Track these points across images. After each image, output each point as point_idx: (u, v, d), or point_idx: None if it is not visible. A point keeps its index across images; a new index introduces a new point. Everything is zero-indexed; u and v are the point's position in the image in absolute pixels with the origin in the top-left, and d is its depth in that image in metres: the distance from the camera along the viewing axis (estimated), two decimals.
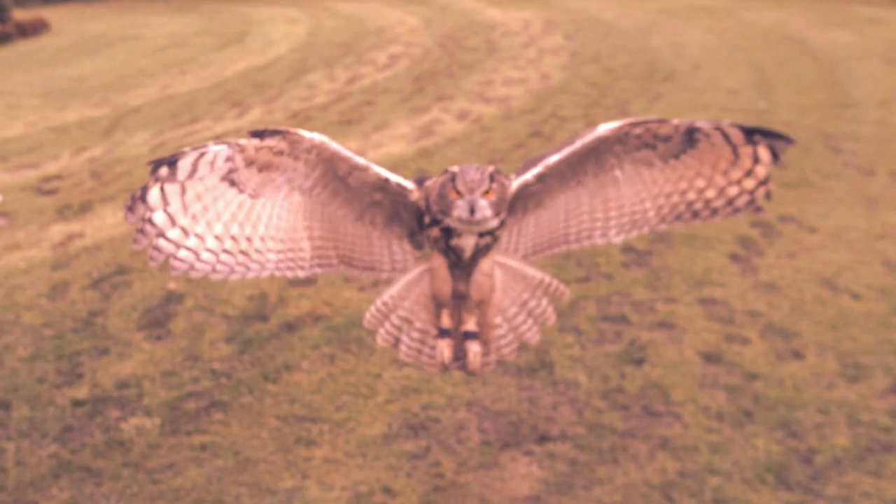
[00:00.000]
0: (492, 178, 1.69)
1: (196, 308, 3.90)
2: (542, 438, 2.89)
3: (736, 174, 1.70)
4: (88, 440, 2.96)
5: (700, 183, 1.74)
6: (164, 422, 3.05)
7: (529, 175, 1.80)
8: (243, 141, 1.62)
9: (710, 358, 3.35)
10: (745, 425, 2.92)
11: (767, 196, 1.68)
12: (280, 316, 3.79)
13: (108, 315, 3.87)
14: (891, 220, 4.72)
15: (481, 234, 1.78)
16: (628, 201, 1.85)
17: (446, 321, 1.90)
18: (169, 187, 1.54)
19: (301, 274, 1.85)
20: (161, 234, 1.56)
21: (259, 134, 1.64)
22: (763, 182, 1.68)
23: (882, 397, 3.06)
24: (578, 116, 7.17)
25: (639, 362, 3.33)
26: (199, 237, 1.62)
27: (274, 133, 1.66)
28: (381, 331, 1.98)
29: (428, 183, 1.80)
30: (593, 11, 13.81)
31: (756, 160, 1.66)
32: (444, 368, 1.90)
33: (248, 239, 1.70)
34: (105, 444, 2.93)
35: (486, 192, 1.69)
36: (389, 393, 3.18)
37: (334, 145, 1.73)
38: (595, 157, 1.79)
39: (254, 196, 1.68)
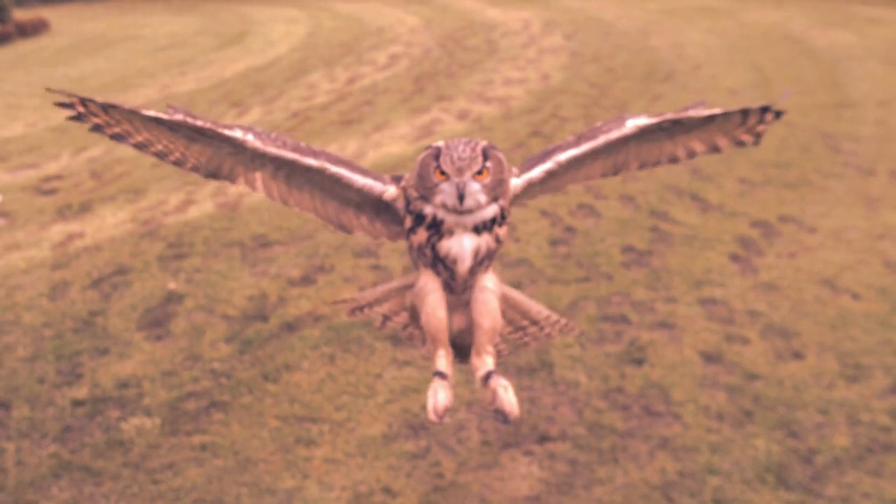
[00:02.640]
0: (486, 155, 1.41)
1: (196, 308, 3.90)
2: (542, 438, 2.89)
3: (737, 133, 1.65)
4: (88, 440, 2.96)
5: (693, 144, 1.70)
6: (164, 422, 3.05)
7: (538, 171, 1.59)
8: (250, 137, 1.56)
9: (710, 358, 3.35)
10: (745, 425, 2.92)
11: (758, 140, 1.67)
12: (280, 316, 3.79)
13: (108, 315, 3.87)
14: (891, 220, 4.72)
15: (478, 230, 1.47)
16: (619, 162, 1.77)
17: (442, 364, 1.55)
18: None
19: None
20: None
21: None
22: (757, 134, 1.67)
23: (882, 397, 3.06)
24: (578, 116, 7.17)
25: (639, 362, 3.33)
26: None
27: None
28: (353, 313, 1.81)
29: (407, 176, 1.55)
30: (593, 11, 13.80)
31: (760, 122, 1.61)
32: (440, 419, 1.47)
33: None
34: (105, 444, 2.93)
35: (479, 173, 1.41)
36: (389, 393, 3.18)
37: (272, 149, 1.56)
38: (607, 147, 1.66)
39: None
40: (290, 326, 3.70)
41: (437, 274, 1.54)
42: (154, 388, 3.26)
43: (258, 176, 1.64)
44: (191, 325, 3.75)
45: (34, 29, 14.83)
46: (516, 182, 1.58)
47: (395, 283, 1.76)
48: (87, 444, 2.94)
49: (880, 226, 4.65)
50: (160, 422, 3.05)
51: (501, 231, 1.51)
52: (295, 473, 2.77)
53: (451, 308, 1.59)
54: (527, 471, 2.75)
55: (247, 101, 8.51)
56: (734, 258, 4.28)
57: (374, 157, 6.18)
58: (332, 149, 6.50)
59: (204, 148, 1.61)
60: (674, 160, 1.73)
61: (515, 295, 1.73)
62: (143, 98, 9.12)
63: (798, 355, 3.36)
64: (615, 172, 1.76)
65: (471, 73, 9.29)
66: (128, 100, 9.07)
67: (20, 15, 15.46)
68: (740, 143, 1.67)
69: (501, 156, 1.47)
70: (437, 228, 1.47)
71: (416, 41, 11.76)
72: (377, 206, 1.63)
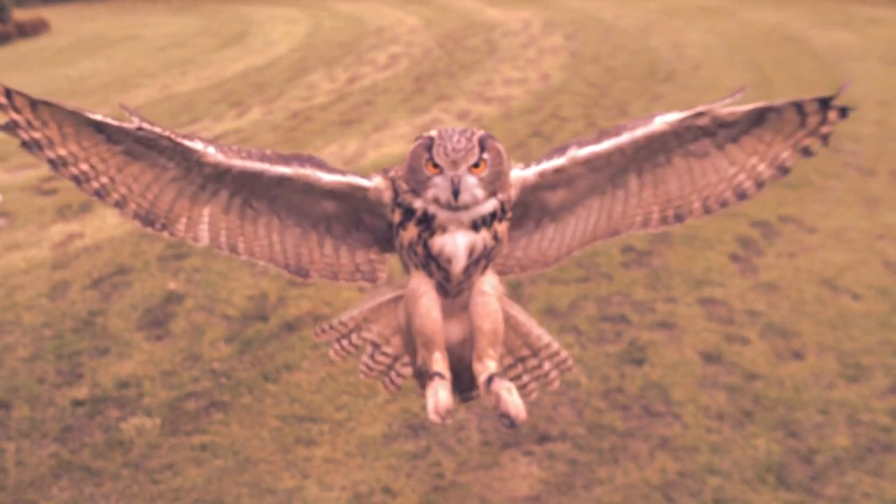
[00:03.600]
0: (482, 146, 1.30)
1: (196, 308, 3.90)
2: (542, 438, 2.89)
3: (799, 136, 1.45)
4: (88, 440, 2.96)
5: (754, 161, 1.47)
6: (164, 422, 3.05)
7: (547, 165, 1.43)
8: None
9: (710, 358, 3.35)
10: (745, 425, 2.92)
11: (825, 142, 1.47)
12: (280, 316, 3.79)
13: (108, 315, 3.87)
14: (891, 220, 4.72)
15: (476, 226, 1.35)
16: (675, 195, 1.54)
17: (439, 365, 1.41)
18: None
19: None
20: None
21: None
22: (823, 137, 1.46)
23: (882, 397, 3.06)
24: (578, 116, 7.17)
25: (639, 362, 3.33)
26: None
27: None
28: (336, 345, 1.62)
29: (396, 167, 1.42)
30: (593, 11, 13.80)
31: (823, 122, 1.43)
32: (442, 420, 1.34)
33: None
34: (105, 444, 2.93)
35: (476, 166, 1.30)
36: (389, 393, 3.18)
37: (237, 161, 1.39)
38: (642, 153, 1.47)
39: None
40: (290, 326, 3.70)
41: (430, 275, 1.41)
42: (154, 388, 3.26)
43: (206, 212, 1.44)
44: (191, 325, 3.75)
45: (34, 29, 14.83)
46: (523, 174, 1.45)
47: (383, 297, 1.58)
48: (87, 444, 2.94)
49: (880, 226, 4.65)
50: (160, 422, 3.05)
51: (501, 227, 1.38)
52: (295, 473, 2.77)
53: (447, 315, 1.44)
54: (527, 471, 2.75)
55: (247, 101, 8.51)
56: (734, 258, 4.28)
57: (374, 157, 6.19)
58: (332, 149, 6.50)
59: (143, 171, 1.40)
60: (741, 193, 1.50)
61: (515, 312, 1.57)
62: (144, 98, 9.12)
63: (798, 355, 3.36)
64: (668, 207, 1.53)
65: (471, 73, 9.29)
66: (128, 100, 9.07)
67: (20, 15, 15.47)
68: (807, 153, 1.46)
69: (500, 146, 1.35)
70: (428, 224, 1.36)
71: (416, 41, 11.76)
72: (353, 217, 1.50)
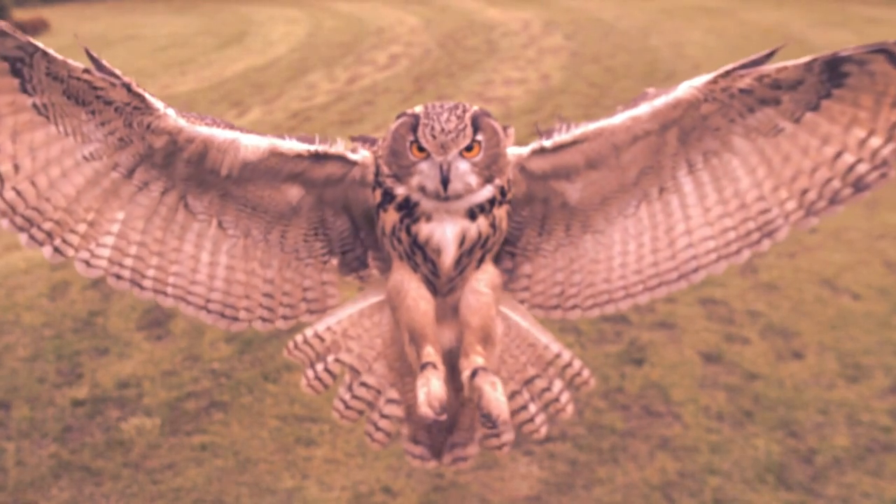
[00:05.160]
0: (476, 125, 1.10)
1: None
2: (542, 438, 2.89)
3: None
4: (88, 440, 2.96)
5: (859, 133, 1.11)
6: (164, 422, 3.05)
7: (558, 138, 1.20)
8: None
9: (710, 358, 3.35)
10: (745, 425, 2.92)
11: None
12: None
13: (108, 315, 3.87)
14: (891, 220, 4.72)
15: (472, 214, 1.14)
16: (751, 197, 1.18)
17: (431, 356, 1.21)
18: None
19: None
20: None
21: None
22: None
23: (882, 397, 3.06)
24: (578, 116, 7.16)
25: (639, 362, 3.33)
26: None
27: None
28: (309, 373, 1.37)
29: (380, 142, 1.21)
30: (593, 11, 13.80)
31: None
32: (437, 415, 1.14)
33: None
34: (105, 444, 2.93)
35: (469, 150, 1.10)
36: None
37: (202, 129, 1.14)
38: (678, 138, 1.17)
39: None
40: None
41: (416, 268, 1.20)
42: (154, 388, 3.26)
43: (121, 216, 1.10)
44: (191, 325, 3.75)
45: (34, 29, 14.82)
46: (520, 151, 1.22)
47: (364, 303, 1.33)
48: (87, 444, 2.94)
49: (880, 226, 4.65)
50: (160, 422, 3.05)
51: (500, 212, 1.17)
52: (295, 473, 2.77)
53: (439, 312, 1.25)
54: (527, 471, 2.75)
55: (247, 101, 8.51)
56: None
57: None
58: None
59: (51, 140, 1.07)
60: (857, 180, 1.14)
61: (518, 316, 1.34)
62: None
63: (798, 355, 3.36)
64: (746, 218, 1.18)
65: (471, 73, 9.29)
66: None
67: (20, 15, 15.47)
68: None
69: (496, 124, 1.15)
70: (410, 211, 1.15)
71: (416, 41, 11.77)
72: (316, 216, 1.26)
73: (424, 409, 1.14)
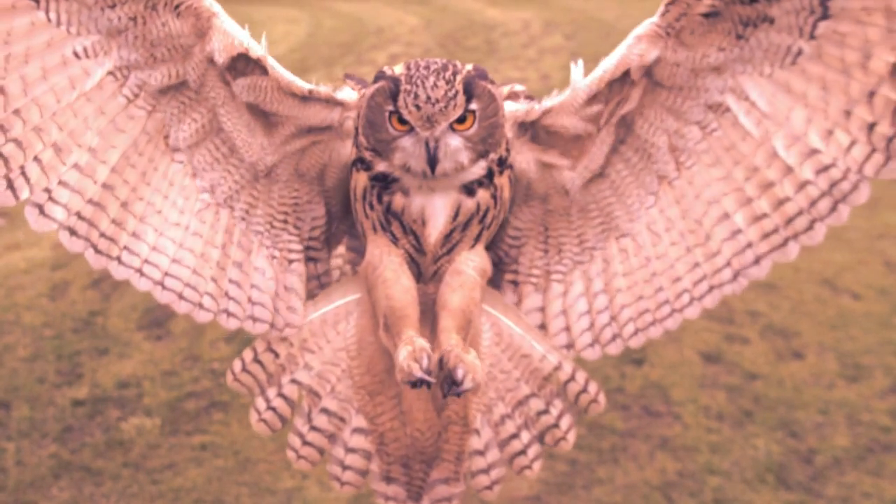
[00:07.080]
0: (469, 91, 0.94)
1: None
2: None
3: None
4: (88, 440, 2.96)
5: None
6: (164, 422, 3.05)
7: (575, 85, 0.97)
8: None
9: (710, 358, 3.35)
10: (745, 425, 2.92)
11: None
12: None
13: (108, 315, 3.87)
14: (891, 220, 4.72)
15: (468, 189, 0.94)
16: (797, 153, 0.93)
17: (411, 333, 0.98)
18: None
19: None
20: None
21: None
22: None
23: (882, 397, 3.06)
24: None
25: (639, 362, 3.33)
26: None
27: None
28: (260, 403, 1.13)
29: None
30: (593, 11, 13.81)
31: None
32: (423, 372, 0.91)
33: None
34: (105, 444, 2.93)
35: (461, 122, 0.91)
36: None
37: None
38: (665, 86, 0.94)
39: None
40: None
41: (395, 241, 0.98)
42: (154, 388, 3.27)
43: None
44: (191, 325, 3.75)
45: None
46: (516, 108, 1.04)
47: (328, 306, 1.08)
48: (87, 444, 2.94)
49: (880, 226, 4.65)
50: (160, 422, 3.05)
51: (502, 181, 0.96)
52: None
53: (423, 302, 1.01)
54: None
55: None
56: None
57: None
58: None
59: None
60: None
61: (511, 319, 1.07)
62: None
63: (798, 355, 3.36)
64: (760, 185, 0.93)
65: None
66: None
67: None
68: None
69: (493, 88, 0.99)
70: (387, 185, 0.95)
71: (416, 41, 11.77)
72: (309, 175, 1.06)
73: (408, 364, 0.91)
